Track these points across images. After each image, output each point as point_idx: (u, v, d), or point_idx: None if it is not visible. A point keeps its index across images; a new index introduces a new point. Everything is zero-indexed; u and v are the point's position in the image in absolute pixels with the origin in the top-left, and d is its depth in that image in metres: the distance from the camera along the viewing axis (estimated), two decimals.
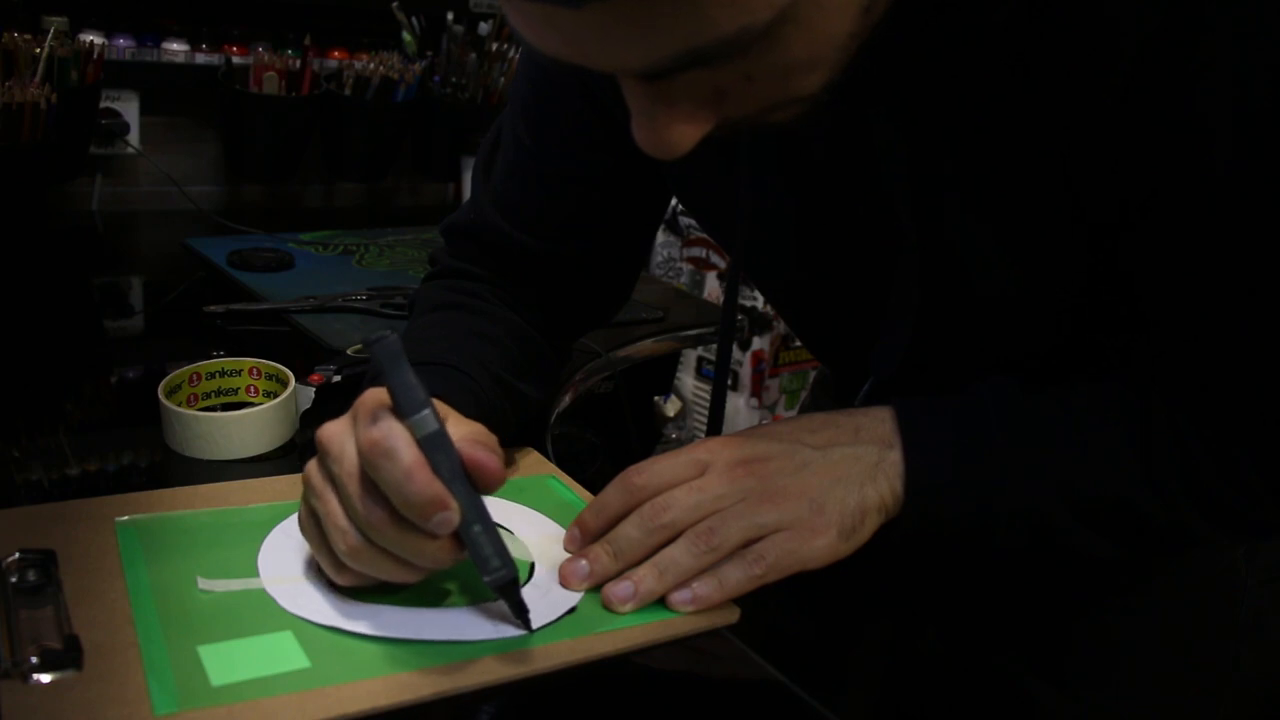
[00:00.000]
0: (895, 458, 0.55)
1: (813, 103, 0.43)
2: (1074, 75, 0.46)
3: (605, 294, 0.76)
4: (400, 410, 0.46)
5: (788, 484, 0.54)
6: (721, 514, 0.53)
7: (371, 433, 0.46)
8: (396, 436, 0.46)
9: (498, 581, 0.48)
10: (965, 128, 0.50)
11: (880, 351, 0.60)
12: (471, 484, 0.47)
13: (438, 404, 0.49)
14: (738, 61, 0.38)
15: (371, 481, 0.47)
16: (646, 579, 0.52)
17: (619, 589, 0.52)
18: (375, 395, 0.48)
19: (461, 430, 0.49)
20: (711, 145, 0.43)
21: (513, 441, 0.70)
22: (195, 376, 0.71)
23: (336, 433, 0.49)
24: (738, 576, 0.52)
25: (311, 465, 0.50)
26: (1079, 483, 0.54)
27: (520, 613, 0.49)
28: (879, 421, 0.56)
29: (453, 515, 0.46)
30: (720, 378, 0.70)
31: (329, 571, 0.50)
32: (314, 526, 0.50)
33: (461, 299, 0.70)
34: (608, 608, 0.52)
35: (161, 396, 0.68)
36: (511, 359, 0.67)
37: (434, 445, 0.46)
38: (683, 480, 0.54)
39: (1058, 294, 0.54)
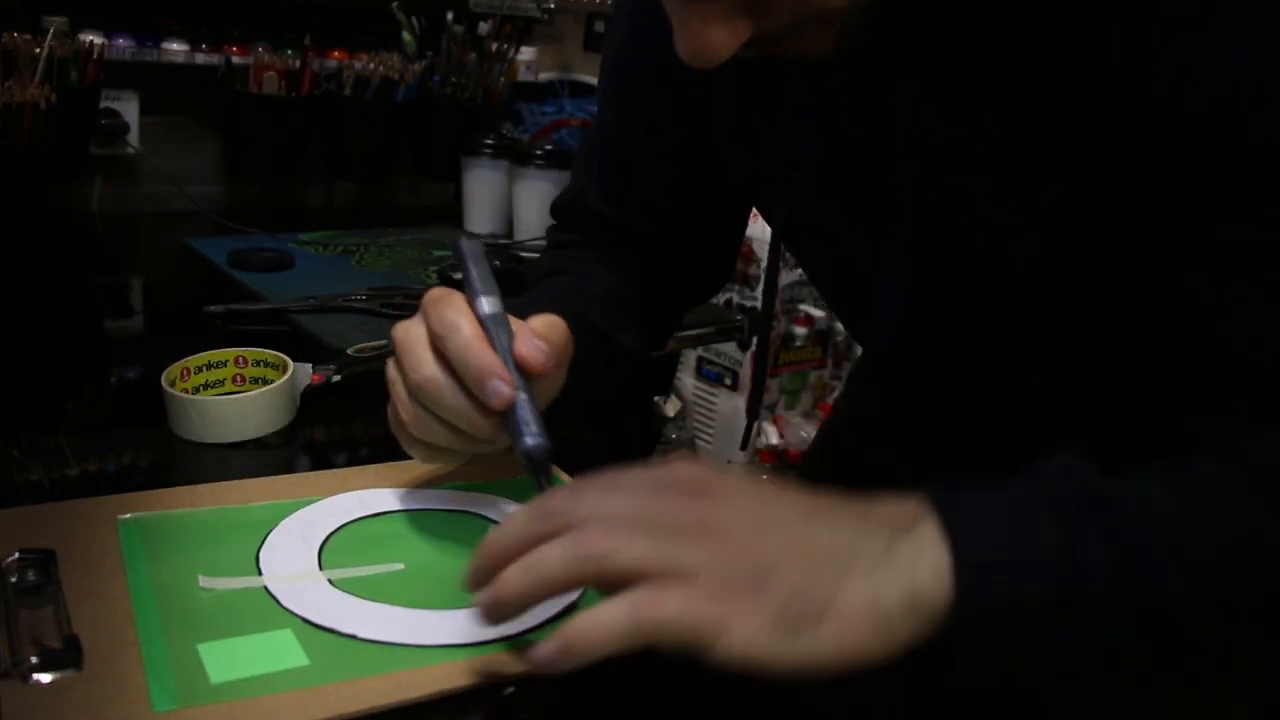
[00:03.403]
0: (928, 528, 0.42)
1: (841, 26, 0.48)
2: (1076, 51, 0.47)
3: (693, 274, 0.82)
4: (470, 295, 0.54)
5: (736, 534, 0.42)
6: (630, 521, 0.42)
7: (442, 311, 0.52)
8: (462, 314, 0.52)
9: (531, 448, 0.51)
10: (981, 92, 0.51)
11: (877, 319, 0.62)
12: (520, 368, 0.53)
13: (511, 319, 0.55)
14: None
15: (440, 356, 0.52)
16: (510, 579, 0.43)
17: (482, 595, 0.44)
18: (440, 288, 0.54)
19: (530, 322, 0.54)
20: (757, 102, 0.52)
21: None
22: (185, 372, 0.72)
23: (406, 326, 0.54)
24: (616, 614, 0.40)
25: (390, 362, 0.56)
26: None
27: (542, 486, 0.51)
28: (899, 509, 0.44)
29: (503, 386, 0.51)
30: (761, 361, 0.73)
31: (405, 446, 0.57)
32: (393, 415, 0.56)
33: (565, 264, 0.77)
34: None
35: (165, 386, 0.69)
36: (608, 311, 0.72)
37: (495, 324, 0.53)
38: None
39: (1066, 269, 0.54)
